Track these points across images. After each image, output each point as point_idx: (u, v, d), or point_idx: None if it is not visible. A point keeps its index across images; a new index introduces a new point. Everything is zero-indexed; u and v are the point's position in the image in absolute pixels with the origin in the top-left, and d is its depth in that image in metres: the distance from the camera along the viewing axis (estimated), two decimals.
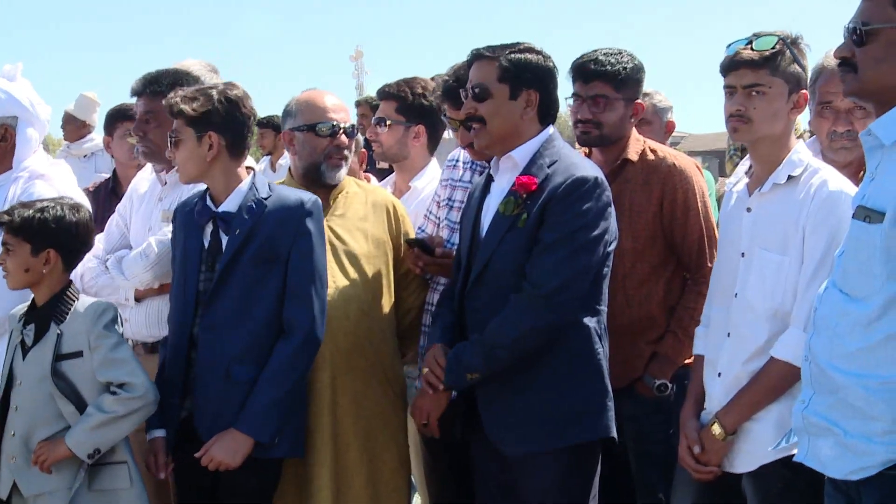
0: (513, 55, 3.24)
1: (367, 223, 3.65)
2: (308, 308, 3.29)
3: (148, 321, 3.65)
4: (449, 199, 3.83)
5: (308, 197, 3.36)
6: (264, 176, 3.55)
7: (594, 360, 3.20)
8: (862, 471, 2.32)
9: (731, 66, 2.96)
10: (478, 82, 3.26)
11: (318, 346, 3.32)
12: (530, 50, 3.28)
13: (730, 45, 2.99)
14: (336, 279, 3.50)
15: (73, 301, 3.28)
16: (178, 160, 3.36)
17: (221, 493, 3.29)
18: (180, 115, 3.29)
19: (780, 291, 2.92)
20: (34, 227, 3.27)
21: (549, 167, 3.20)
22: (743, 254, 3.02)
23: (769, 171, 2.98)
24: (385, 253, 3.65)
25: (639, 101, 3.74)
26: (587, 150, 3.84)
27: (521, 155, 3.25)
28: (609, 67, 3.65)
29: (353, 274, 3.55)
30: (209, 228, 3.34)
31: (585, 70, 3.67)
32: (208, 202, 3.37)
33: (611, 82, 3.65)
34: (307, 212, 3.32)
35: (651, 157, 3.70)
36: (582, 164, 3.25)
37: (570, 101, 3.74)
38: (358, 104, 8.04)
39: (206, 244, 3.34)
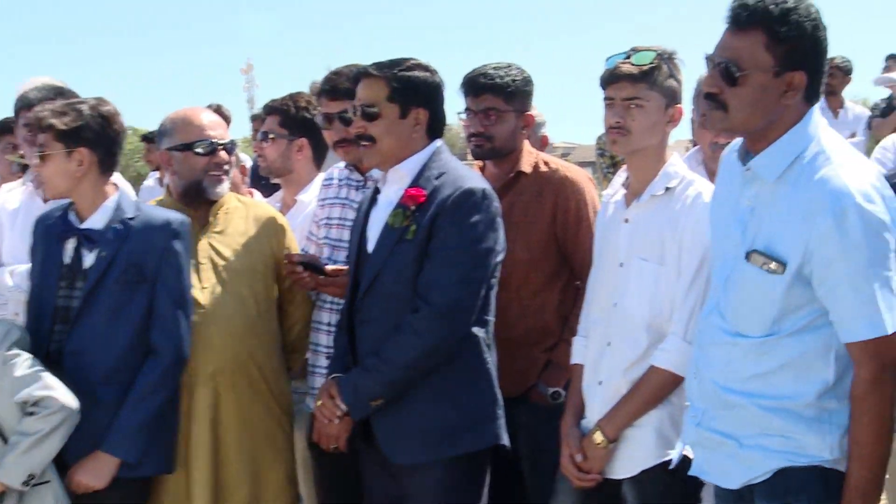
0: (402, 73, 3.23)
1: (248, 238, 3.62)
2: (175, 330, 3.29)
3: None
4: (328, 218, 3.83)
5: (175, 217, 3.36)
6: (153, 192, 3.56)
7: (483, 369, 3.24)
8: (758, 478, 2.48)
9: (611, 78, 3.02)
10: (367, 101, 3.25)
11: (184, 366, 3.33)
12: (419, 67, 3.28)
13: (609, 59, 3.06)
14: (217, 295, 3.48)
15: None
16: (44, 175, 3.31)
17: None
18: (49, 130, 3.25)
19: (659, 301, 2.99)
20: None
21: (436, 179, 3.22)
22: (621, 264, 3.08)
23: (646, 182, 3.05)
24: (267, 267, 3.63)
25: (529, 112, 3.80)
26: (481, 164, 3.89)
27: (408, 168, 3.27)
28: (498, 80, 3.70)
29: (234, 290, 3.52)
30: (71, 244, 3.30)
31: (475, 84, 3.72)
32: (71, 217, 3.33)
33: (500, 95, 3.70)
34: (174, 232, 3.32)
35: (544, 168, 3.77)
36: (469, 176, 3.28)
37: (462, 116, 3.79)
38: (253, 119, 8.06)
39: (68, 260, 3.30)
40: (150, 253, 3.28)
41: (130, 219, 3.30)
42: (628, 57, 3.02)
